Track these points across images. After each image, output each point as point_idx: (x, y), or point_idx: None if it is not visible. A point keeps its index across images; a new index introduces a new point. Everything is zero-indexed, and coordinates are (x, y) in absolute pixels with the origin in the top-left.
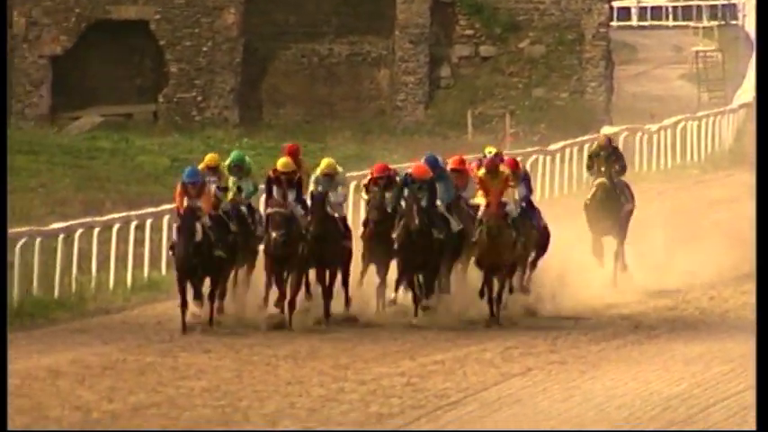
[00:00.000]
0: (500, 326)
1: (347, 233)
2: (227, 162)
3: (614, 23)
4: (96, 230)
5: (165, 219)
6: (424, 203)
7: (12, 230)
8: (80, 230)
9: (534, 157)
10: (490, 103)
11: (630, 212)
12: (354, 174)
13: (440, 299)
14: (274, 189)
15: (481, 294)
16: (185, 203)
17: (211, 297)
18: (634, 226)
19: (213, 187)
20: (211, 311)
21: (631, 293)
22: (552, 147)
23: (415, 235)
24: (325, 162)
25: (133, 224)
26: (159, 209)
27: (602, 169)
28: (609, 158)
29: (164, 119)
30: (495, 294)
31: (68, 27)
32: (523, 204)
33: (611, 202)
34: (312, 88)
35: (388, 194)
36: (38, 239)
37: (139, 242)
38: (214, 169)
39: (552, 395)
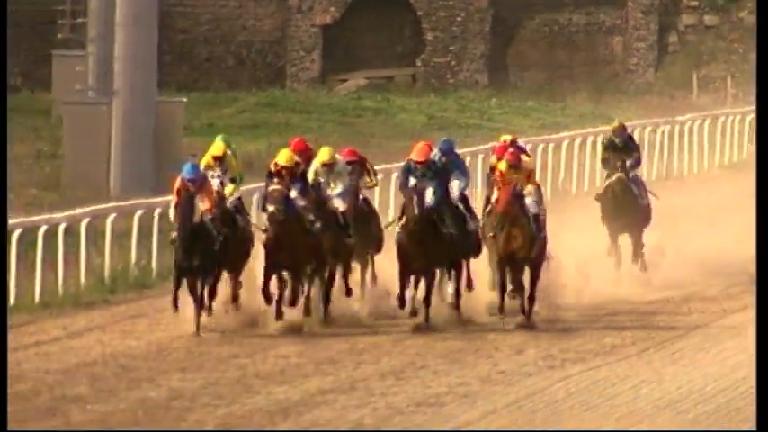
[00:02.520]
0: (533, 327)
1: (348, 228)
2: (215, 151)
3: None
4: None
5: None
6: (430, 191)
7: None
8: None
9: (752, 116)
10: (713, 67)
11: (648, 208)
12: (591, 130)
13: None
14: (276, 182)
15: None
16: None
17: (201, 304)
18: None
19: (216, 182)
20: (198, 316)
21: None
22: None
23: (417, 230)
24: (323, 151)
25: (393, 175)
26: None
27: (618, 164)
28: (624, 149)
29: (421, 81)
30: (523, 292)
31: (337, 0)
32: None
33: (627, 199)
34: (553, 54)
35: (360, 181)
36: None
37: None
38: (220, 159)
39: None
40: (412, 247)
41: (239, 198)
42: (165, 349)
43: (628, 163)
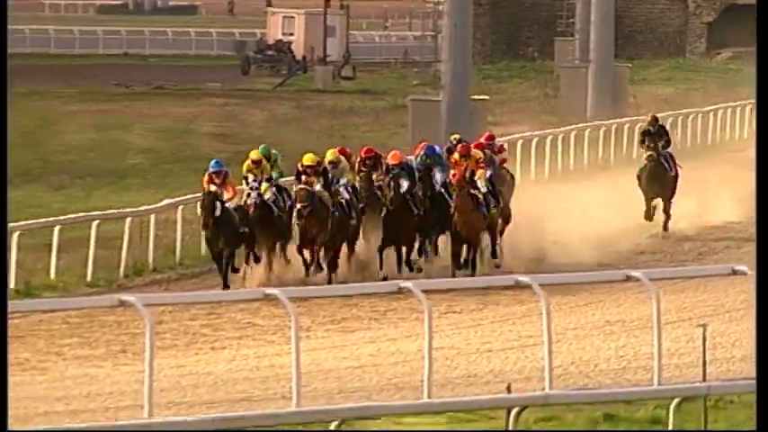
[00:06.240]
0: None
1: (352, 211)
2: (253, 156)
3: None
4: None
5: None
6: (405, 183)
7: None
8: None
9: None
10: None
11: (675, 178)
12: None
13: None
14: (303, 178)
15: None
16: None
17: (234, 270)
18: None
19: (248, 181)
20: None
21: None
22: None
23: (393, 213)
24: (328, 153)
25: (617, 128)
26: (630, 118)
27: (651, 145)
28: (657, 134)
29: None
30: (468, 258)
31: (715, 7)
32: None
33: (659, 172)
34: None
35: (374, 174)
36: (601, 131)
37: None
38: (258, 163)
39: None
40: (391, 225)
41: (277, 189)
42: None
43: (660, 144)
